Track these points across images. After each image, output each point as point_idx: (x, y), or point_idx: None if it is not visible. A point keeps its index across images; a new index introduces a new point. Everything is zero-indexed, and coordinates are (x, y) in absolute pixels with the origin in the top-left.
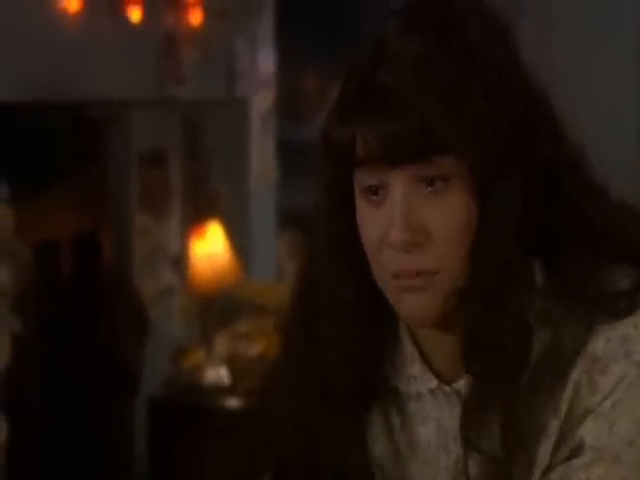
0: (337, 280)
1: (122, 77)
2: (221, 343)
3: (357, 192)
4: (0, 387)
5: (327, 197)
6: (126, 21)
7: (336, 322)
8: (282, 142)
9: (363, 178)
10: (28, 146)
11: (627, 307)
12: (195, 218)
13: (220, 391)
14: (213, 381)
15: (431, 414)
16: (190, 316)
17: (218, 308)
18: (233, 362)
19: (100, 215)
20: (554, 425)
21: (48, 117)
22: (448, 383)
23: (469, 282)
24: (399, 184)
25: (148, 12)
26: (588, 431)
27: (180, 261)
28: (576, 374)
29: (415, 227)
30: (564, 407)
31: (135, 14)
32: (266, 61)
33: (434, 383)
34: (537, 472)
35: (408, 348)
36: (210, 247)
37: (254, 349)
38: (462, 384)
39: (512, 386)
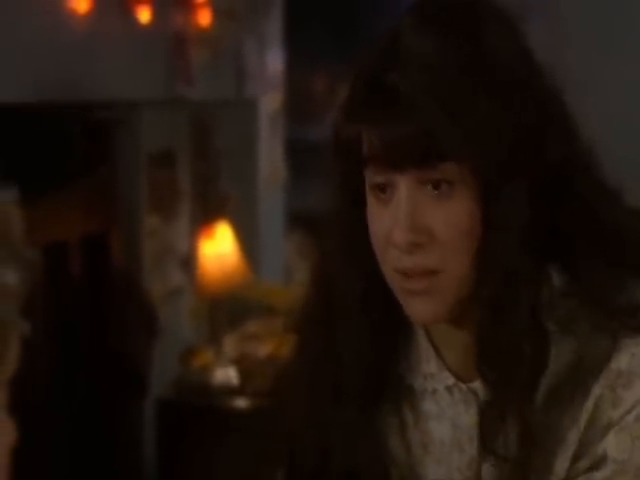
0: (349, 276)
1: (131, 78)
2: (230, 344)
3: (367, 188)
4: (10, 389)
5: (339, 193)
6: (135, 22)
7: (348, 318)
8: (291, 142)
9: (371, 176)
10: (37, 147)
11: None
12: (204, 219)
13: (229, 391)
14: (222, 381)
15: (446, 412)
16: (199, 317)
17: (227, 309)
18: (242, 363)
19: (109, 216)
20: (573, 436)
21: (56, 118)
22: (465, 382)
23: (477, 289)
24: (404, 185)
25: (157, 13)
26: (610, 444)
27: (189, 262)
28: (599, 388)
29: (419, 228)
30: (584, 419)
31: (144, 15)
32: (275, 62)
33: (451, 380)
34: None
35: (423, 345)
36: (219, 248)
37: (263, 350)
38: (478, 384)
39: (527, 393)
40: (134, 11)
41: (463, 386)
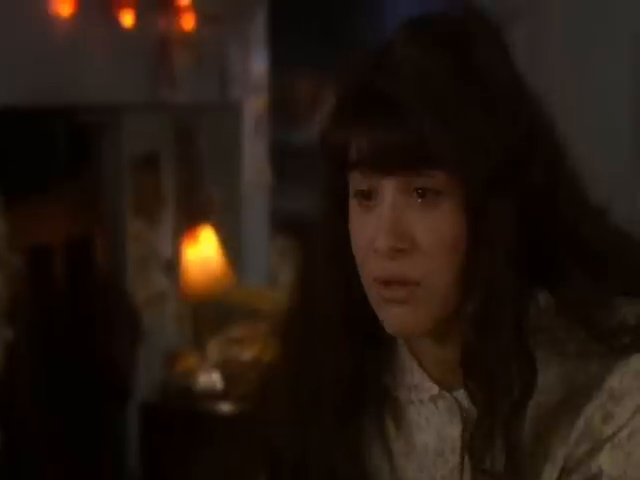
0: (331, 285)
1: (114, 81)
2: (214, 348)
3: (351, 195)
4: None
5: (325, 200)
6: (118, 25)
7: (328, 329)
8: (275, 146)
9: (356, 182)
10: (20, 151)
11: (637, 342)
12: (188, 223)
13: (213, 396)
14: (206, 386)
15: (431, 422)
16: (183, 321)
17: (211, 313)
18: (226, 367)
19: (93, 220)
20: (561, 453)
21: (40, 122)
22: (448, 390)
23: (461, 306)
24: (389, 191)
25: (141, 16)
26: (605, 461)
27: (173, 266)
28: (591, 408)
29: (401, 234)
30: (574, 436)
31: (127, 18)
32: (259, 65)
33: (436, 390)
34: None
35: (406, 358)
36: (203, 252)
37: (247, 354)
38: (462, 392)
39: (515, 412)
40: (117, 15)
41: (447, 395)
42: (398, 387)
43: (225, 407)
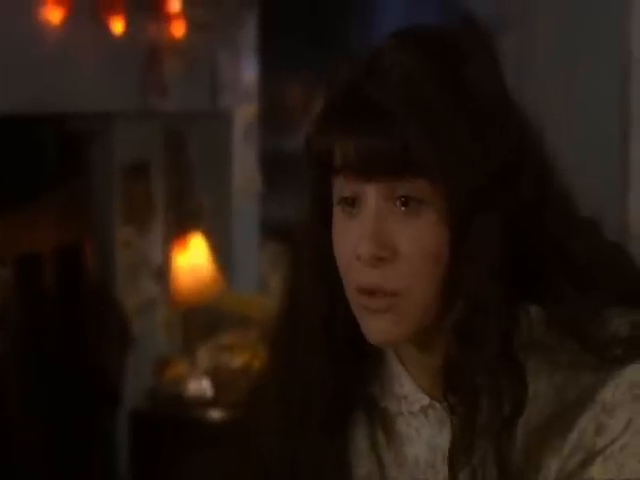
0: (315, 295)
1: (104, 89)
2: (204, 355)
3: (335, 202)
4: None
5: (310, 208)
6: (108, 33)
7: (312, 339)
8: (265, 154)
9: (340, 188)
10: (10, 159)
11: (630, 353)
12: (178, 230)
13: (203, 403)
14: (196, 393)
15: (422, 434)
16: (173, 328)
17: (201, 320)
18: (216, 374)
19: (82, 227)
20: (554, 466)
21: (30, 129)
22: (439, 401)
23: (445, 317)
24: (372, 197)
25: (131, 24)
26: (597, 472)
27: (163, 273)
28: (584, 420)
29: (383, 242)
30: (567, 448)
31: (118, 26)
32: (249, 73)
33: (426, 401)
34: None
35: (395, 368)
36: (193, 259)
37: (237, 361)
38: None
39: (503, 426)
40: (107, 22)
41: (438, 405)
42: (386, 397)
43: (215, 414)
